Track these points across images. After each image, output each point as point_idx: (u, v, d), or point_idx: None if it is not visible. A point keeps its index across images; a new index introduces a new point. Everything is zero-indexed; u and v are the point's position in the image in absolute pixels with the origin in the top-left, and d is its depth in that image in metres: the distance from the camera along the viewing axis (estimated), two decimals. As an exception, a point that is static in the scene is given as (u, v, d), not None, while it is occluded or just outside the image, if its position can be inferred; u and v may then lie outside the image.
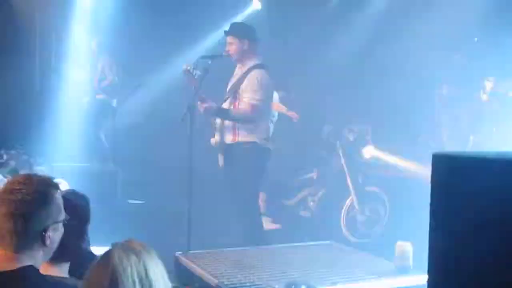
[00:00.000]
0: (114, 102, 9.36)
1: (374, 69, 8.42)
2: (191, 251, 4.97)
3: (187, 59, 7.49)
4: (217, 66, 5.80)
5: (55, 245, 2.40)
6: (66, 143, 8.56)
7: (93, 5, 9.63)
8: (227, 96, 5.98)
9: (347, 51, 8.67)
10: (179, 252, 4.79)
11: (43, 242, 2.30)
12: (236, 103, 5.87)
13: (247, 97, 5.76)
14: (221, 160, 6.04)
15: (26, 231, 2.27)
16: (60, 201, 2.38)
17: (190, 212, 5.38)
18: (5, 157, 5.64)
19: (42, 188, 2.32)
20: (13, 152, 5.73)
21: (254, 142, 5.80)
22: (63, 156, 8.40)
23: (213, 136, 6.06)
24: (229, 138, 5.88)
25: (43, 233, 2.29)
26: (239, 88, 5.84)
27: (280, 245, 5.32)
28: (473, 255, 1.42)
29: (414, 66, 8.12)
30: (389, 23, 8.50)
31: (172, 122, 6.20)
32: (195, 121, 5.56)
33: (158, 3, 9.81)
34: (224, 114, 5.85)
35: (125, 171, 8.56)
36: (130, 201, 8.30)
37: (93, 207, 2.88)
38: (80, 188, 2.98)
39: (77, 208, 2.69)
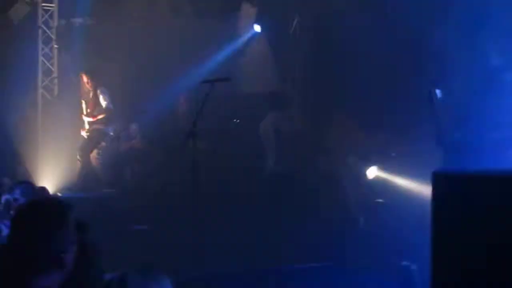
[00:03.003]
0: (111, 131, 9.34)
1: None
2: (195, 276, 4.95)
3: (188, 83, 7.55)
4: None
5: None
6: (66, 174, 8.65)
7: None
8: None
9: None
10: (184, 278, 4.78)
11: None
12: None
13: None
14: None
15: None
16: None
17: (194, 238, 5.37)
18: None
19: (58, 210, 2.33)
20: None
21: None
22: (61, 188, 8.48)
23: None
24: None
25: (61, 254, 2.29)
26: None
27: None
28: (476, 271, 1.43)
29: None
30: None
31: (173, 146, 6.22)
32: (197, 144, 5.59)
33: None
34: None
35: (125, 196, 8.57)
36: (135, 227, 8.28)
37: (97, 233, 2.87)
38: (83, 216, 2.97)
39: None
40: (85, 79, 9.05)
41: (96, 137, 9.15)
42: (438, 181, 1.56)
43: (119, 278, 2.02)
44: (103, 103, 9.02)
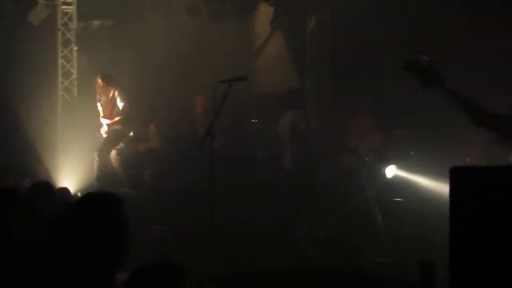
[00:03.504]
0: (131, 132, 9.40)
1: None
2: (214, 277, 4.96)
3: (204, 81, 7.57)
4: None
5: None
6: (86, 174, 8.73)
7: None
8: None
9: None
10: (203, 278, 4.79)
11: None
12: None
13: None
14: None
15: None
16: None
17: (213, 237, 5.38)
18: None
19: None
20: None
21: None
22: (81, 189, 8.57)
23: None
24: None
25: None
26: None
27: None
28: (494, 265, 1.42)
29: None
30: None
31: (191, 146, 6.24)
32: (215, 145, 5.60)
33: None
34: None
35: (145, 196, 8.62)
36: (154, 227, 8.31)
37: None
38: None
39: None
40: (101, 83, 9.10)
41: (114, 137, 9.21)
42: (456, 176, 1.55)
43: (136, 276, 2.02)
44: (120, 104, 9.09)
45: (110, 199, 2.36)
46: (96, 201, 2.33)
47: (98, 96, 9.23)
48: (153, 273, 2.21)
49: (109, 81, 9.09)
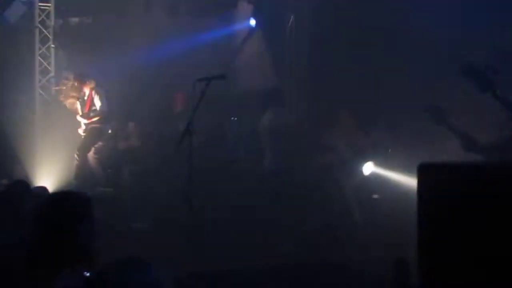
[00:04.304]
0: (108, 128, 9.34)
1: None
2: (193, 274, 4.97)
3: (184, 78, 7.57)
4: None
5: None
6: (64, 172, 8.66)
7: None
8: None
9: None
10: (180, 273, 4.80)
11: None
12: None
13: None
14: None
15: None
16: None
17: (191, 235, 5.39)
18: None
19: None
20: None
21: None
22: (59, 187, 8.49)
23: None
24: None
25: None
26: None
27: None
28: (460, 260, 1.46)
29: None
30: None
31: (170, 145, 6.24)
32: (193, 143, 5.61)
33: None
34: None
35: (123, 195, 8.59)
36: (132, 224, 8.29)
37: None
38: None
39: None
40: (74, 81, 9.00)
41: (93, 136, 9.14)
42: (423, 172, 1.58)
43: (98, 273, 2.01)
44: (98, 104, 9.01)
45: (77, 198, 2.36)
46: (63, 199, 2.33)
47: (64, 94, 9.08)
48: (120, 270, 2.21)
49: (82, 79, 8.99)
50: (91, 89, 9.02)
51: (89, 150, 9.11)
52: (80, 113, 9.08)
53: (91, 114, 9.05)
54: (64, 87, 9.10)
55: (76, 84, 8.96)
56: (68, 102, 9.11)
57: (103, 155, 9.29)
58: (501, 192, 1.40)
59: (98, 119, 9.04)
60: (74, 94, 9.02)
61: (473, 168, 1.54)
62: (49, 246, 2.20)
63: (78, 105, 9.13)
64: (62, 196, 2.39)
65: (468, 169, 1.55)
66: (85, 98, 9.06)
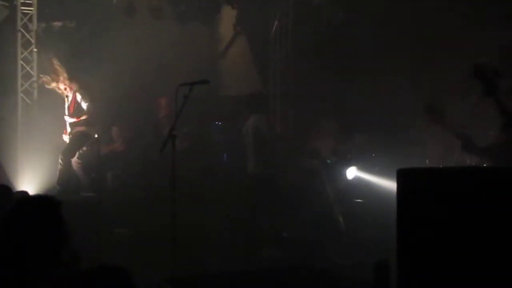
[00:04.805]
0: (94, 133, 9.26)
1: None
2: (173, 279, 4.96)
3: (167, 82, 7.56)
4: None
5: None
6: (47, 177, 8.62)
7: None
8: None
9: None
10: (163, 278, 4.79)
11: None
12: None
13: None
14: None
15: None
16: None
17: (175, 240, 5.38)
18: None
19: None
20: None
21: None
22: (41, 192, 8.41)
23: None
24: None
25: None
26: None
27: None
28: (438, 263, 1.48)
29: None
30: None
31: (154, 149, 6.23)
32: (177, 147, 5.61)
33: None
34: None
35: (107, 199, 8.54)
36: (116, 229, 8.27)
37: (78, 236, 2.88)
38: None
39: None
40: (62, 85, 8.91)
41: (78, 140, 9.05)
42: (402, 177, 1.61)
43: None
44: (84, 105, 8.94)
45: (46, 201, 2.36)
46: (32, 203, 2.33)
47: (53, 78, 8.95)
48: (93, 277, 2.20)
49: (70, 79, 8.92)
50: (75, 91, 8.94)
51: (74, 155, 9.03)
52: (67, 113, 8.97)
53: (79, 114, 8.95)
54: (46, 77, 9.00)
55: (58, 68, 8.84)
56: (50, 84, 8.96)
57: (86, 159, 9.23)
58: (479, 195, 1.43)
59: (85, 120, 8.94)
60: (54, 76, 8.88)
61: (451, 173, 1.57)
62: (15, 251, 2.21)
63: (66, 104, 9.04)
64: (26, 201, 2.39)
65: (445, 174, 1.58)
66: (69, 99, 8.98)
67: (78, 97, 8.87)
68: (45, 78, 8.94)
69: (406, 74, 8.06)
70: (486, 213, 1.42)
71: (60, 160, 8.83)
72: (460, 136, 4.92)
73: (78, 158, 9.08)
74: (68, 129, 8.98)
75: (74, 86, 8.89)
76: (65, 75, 8.83)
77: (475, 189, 1.41)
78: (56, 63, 8.80)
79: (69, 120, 8.93)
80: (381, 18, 8.50)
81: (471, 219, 1.43)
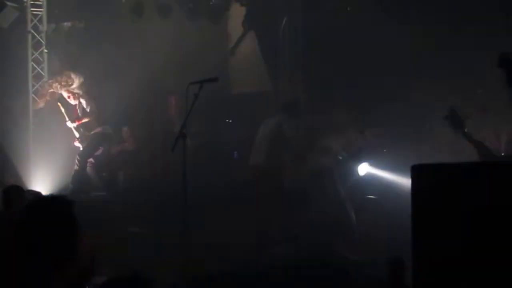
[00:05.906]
0: (110, 131, 9.28)
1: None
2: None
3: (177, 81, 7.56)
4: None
5: None
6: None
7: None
8: None
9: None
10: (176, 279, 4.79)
11: None
12: None
13: None
14: None
15: None
16: None
17: (186, 239, 5.38)
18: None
19: None
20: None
21: None
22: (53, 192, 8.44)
23: None
24: None
25: None
26: None
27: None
28: (453, 260, 1.46)
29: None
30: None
31: (165, 148, 6.23)
32: (188, 146, 5.60)
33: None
34: None
35: (118, 198, 8.57)
36: (129, 228, 8.27)
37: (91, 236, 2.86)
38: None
39: None
40: (65, 93, 8.94)
41: (96, 142, 9.09)
42: (416, 173, 1.59)
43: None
44: (87, 108, 8.96)
45: (58, 201, 2.37)
46: (44, 203, 2.34)
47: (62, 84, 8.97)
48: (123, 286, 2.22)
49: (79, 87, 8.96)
50: (79, 96, 8.96)
51: (90, 156, 9.08)
52: (67, 119, 8.99)
53: (80, 116, 8.97)
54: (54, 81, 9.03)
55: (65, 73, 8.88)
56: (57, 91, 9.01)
57: (97, 159, 9.27)
58: (494, 191, 1.41)
59: (90, 121, 8.97)
60: (64, 82, 8.91)
61: (465, 168, 1.54)
62: (28, 251, 2.22)
63: (61, 108, 9.04)
64: (39, 200, 2.40)
65: (460, 169, 1.55)
66: (74, 103, 9.00)
67: (83, 102, 8.91)
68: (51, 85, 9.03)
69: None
70: (505, 208, 1.39)
71: (76, 161, 8.88)
72: (477, 145, 4.97)
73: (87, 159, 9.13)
74: (77, 135, 9.00)
75: (81, 92, 8.92)
76: (78, 83, 8.89)
77: (493, 184, 1.38)
78: (72, 75, 8.86)
79: (71, 125, 8.98)
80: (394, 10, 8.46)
81: (489, 214, 1.40)
